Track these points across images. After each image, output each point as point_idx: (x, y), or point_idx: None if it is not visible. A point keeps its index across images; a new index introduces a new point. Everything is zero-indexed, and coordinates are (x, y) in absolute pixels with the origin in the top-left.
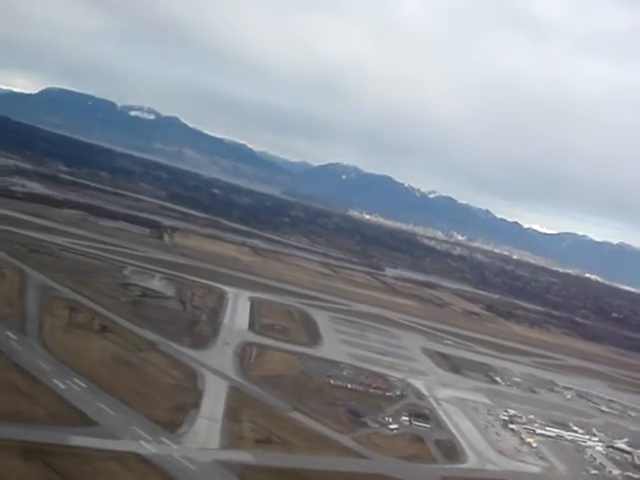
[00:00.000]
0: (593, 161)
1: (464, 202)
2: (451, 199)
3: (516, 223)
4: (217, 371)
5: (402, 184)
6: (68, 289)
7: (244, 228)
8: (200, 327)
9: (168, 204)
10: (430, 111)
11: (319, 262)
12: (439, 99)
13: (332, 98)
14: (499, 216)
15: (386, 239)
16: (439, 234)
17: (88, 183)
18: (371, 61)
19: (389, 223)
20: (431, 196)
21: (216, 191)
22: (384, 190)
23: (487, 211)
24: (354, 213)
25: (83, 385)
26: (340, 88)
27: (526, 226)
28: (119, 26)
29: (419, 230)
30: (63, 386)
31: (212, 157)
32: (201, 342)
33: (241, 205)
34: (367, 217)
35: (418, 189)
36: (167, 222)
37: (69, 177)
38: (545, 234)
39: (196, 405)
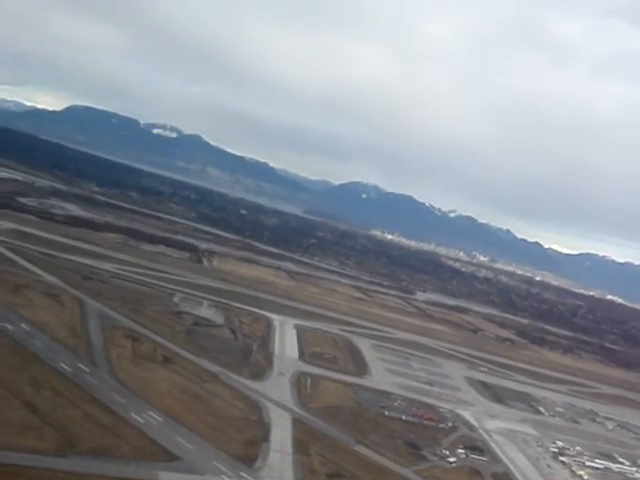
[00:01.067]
0: (613, 181)
1: (484, 222)
2: (471, 219)
3: (537, 243)
4: (278, 403)
5: (423, 203)
6: (126, 318)
7: (275, 250)
8: (254, 357)
9: (200, 226)
10: (450, 131)
11: (352, 286)
12: (459, 119)
13: (352, 118)
14: (520, 236)
15: (412, 261)
16: (461, 254)
17: (121, 204)
18: (392, 81)
19: (412, 243)
20: (451, 215)
21: (243, 212)
22: (405, 209)
23: (508, 231)
24: (376, 233)
25: (159, 419)
26: (361, 108)
27: (547, 246)
28: (143, 45)
29: (441, 250)
30: (142, 420)
31: (234, 175)
32: (258, 373)
33: (268, 226)
34: (389, 237)
35: (439, 208)
36: (203, 245)
37: (102, 198)
38: (566, 254)
39: (266, 438)
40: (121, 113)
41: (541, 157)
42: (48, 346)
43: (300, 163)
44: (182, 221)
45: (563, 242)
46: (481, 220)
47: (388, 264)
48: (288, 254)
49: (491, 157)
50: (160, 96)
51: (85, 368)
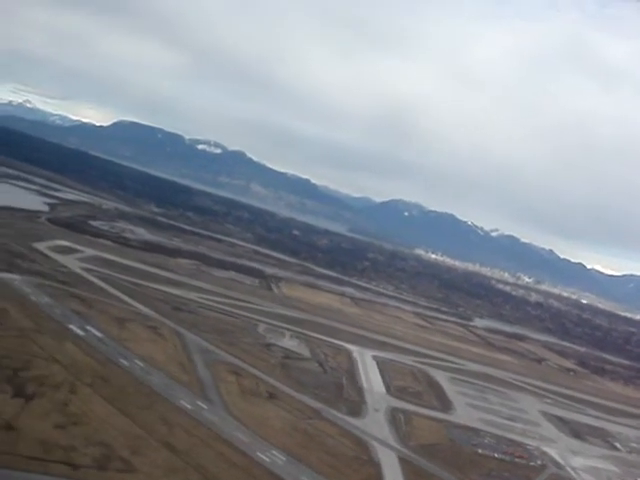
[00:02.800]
0: None
1: (527, 241)
2: (514, 238)
3: (580, 264)
4: (381, 440)
5: (465, 222)
6: (224, 352)
7: (332, 274)
8: (347, 392)
9: (258, 248)
10: (495, 151)
11: (412, 312)
12: (505, 140)
13: (396, 136)
14: (562, 256)
15: (462, 283)
16: (506, 275)
17: (182, 226)
18: (439, 102)
19: (456, 263)
20: (493, 234)
21: (295, 232)
22: (447, 228)
23: (550, 251)
24: (420, 252)
25: (283, 458)
26: (406, 127)
27: (589, 267)
28: (189, 62)
29: (486, 271)
30: (268, 459)
31: (277, 192)
32: (354, 409)
33: (321, 247)
34: (433, 256)
35: (481, 227)
36: (268, 270)
37: (164, 220)
38: (609, 276)
39: (380, 478)
40: (166, 129)
41: (586, 178)
42: (165, 383)
43: (341, 180)
44: (241, 243)
45: (606, 263)
46: (523, 239)
47: (440, 287)
48: (346, 278)
49: (535, 177)
50: (205, 112)
51: (203, 405)
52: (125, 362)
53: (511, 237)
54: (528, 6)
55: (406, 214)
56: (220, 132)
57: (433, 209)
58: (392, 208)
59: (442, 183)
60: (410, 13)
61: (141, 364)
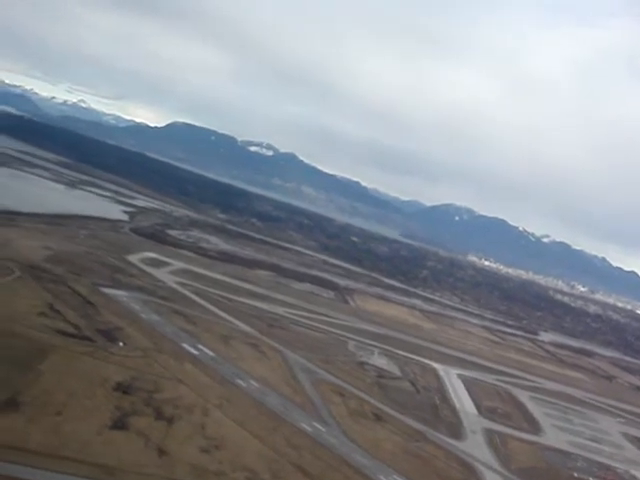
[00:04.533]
0: None
1: (579, 248)
2: (566, 245)
3: (633, 272)
4: (485, 463)
5: (516, 227)
6: (324, 371)
7: (397, 284)
8: (442, 412)
9: (324, 257)
10: (549, 157)
11: (481, 326)
12: (560, 146)
13: (449, 141)
14: (615, 264)
15: (521, 294)
16: (560, 284)
17: (250, 234)
18: (494, 108)
19: (510, 271)
20: (545, 240)
21: (354, 239)
22: (498, 233)
23: (603, 259)
24: (474, 258)
25: None
26: (459, 132)
27: None
28: (242, 65)
29: (540, 279)
30: None
31: (328, 194)
32: (454, 430)
33: (381, 255)
34: (486, 263)
35: (532, 233)
36: (339, 281)
37: (232, 227)
38: None
39: None
40: (219, 130)
41: None
42: (281, 403)
43: (390, 183)
44: (307, 252)
45: None
46: (575, 246)
47: (501, 298)
48: (411, 289)
49: (589, 184)
50: (257, 114)
51: (321, 427)
52: (241, 382)
53: (563, 243)
54: (586, 13)
55: (457, 218)
56: (272, 134)
57: (484, 214)
58: (442, 212)
59: (494, 188)
60: (470, 21)
61: (255, 384)
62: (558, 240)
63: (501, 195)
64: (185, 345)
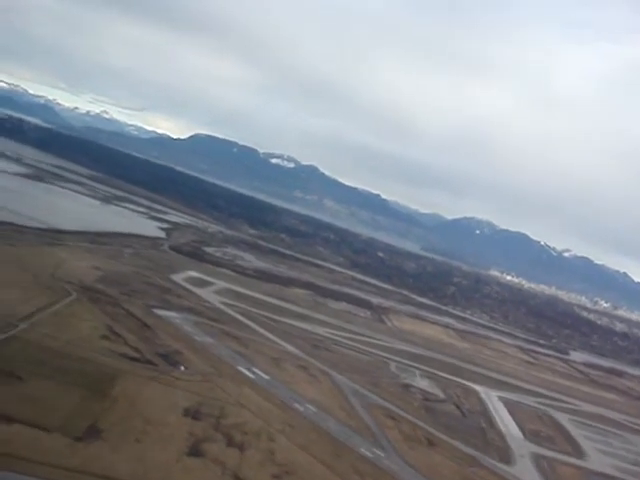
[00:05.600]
0: None
1: (600, 263)
2: (587, 259)
3: None
4: None
5: (538, 242)
6: (373, 394)
7: (428, 302)
8: (490, 436)
9: (355, 274)
10: (571, 172)
11: (514, 346)
12: (582, 162)
13: (471, 155)
14: (637, 279)
15: (548, 311)
16: (583, 300)
17: (281, 250)
18: (517, 123)
19: (533, 286)
20: (566, 255)
21: (381, 254)
22: (519, 247)
23: (625, 274)
24: (496, 273)
25: None
26: (482, 147)
27: None
28: (264, 79)
29: (563, 295)
30: None
31: (349, 207)
32: (503, 455)
33: (409, 272)
34: (509, 278)
35: (554, 248)
36: (373, 300)
37: (263, 243)
38: None
39: None
40: (241, 142)
41: None
42: (340, 429)
43: (411, 195)
44: (338, 269)
45: None
46: (597, 261)
47: (528, 315)
48: (442, 307)
49: (612, 200)
50: (278, 127)
51: (380, 453)
52: (299, 406)
53: (584, 258)
54: (610, 30)
55: (477, 232)
56: (293, 146)
57: (505, 228)
58: (463, 226)
59: (515, 202)
60: (493, 37)
61: (312, 408)
62: (579, 255)
63: (522, 209)
64: (241, 368)
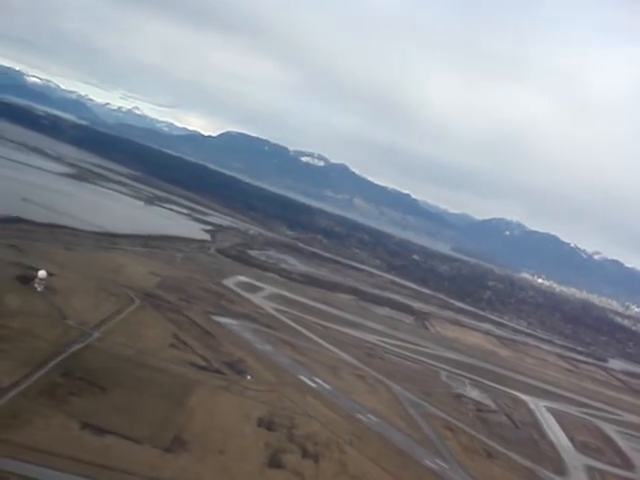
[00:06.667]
0: None
1: (630, 266)
2: (617, 262)
3: None
4: None
5: (568, 244)
6: (429, 404)
7: (465, 307)
8: (543, 447)
9: (392, 277)
10: (604, 176)
11: (554, 353)
12: (613, 164)
13: (504, 157)
14: None
15: (582, 316)
16: (615, 304)
17: (319, 252)
18: (550, 125)
19: (564, 289)
20: (596, 257)
21: (416, 257)
22: (549, 249)
23: None
24: (527, 276)
25: None
26: (514, 149)
27: None
28: (297, 77)
29: (594, 299)
30: None
31: (379, 207)
32: (558, 467)
33: (444, 275)
34: (539, 280)
35: (584, 250)
36: (414, 304)
37: (302, 245)
38: None
39: None
40: (272, 140)
41: None
42: (403, 440)
43: (440, 195)
44: (376, 272)
45: None
46: (627, 264)
47: (563, 321)
48: (480, 312)
49: None
50: (308, 125)
51: (444, 464)
52: (362, 417)
53: (615, 261)
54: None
55: (507, 233)
56: (323, 145)
57: (535, 229)
58: (493, 226)
59: (545, 203)
60: (528, 39)
61: (374, 418)
62: (610, 258)
63: (552, 211)
64: (303, 377)
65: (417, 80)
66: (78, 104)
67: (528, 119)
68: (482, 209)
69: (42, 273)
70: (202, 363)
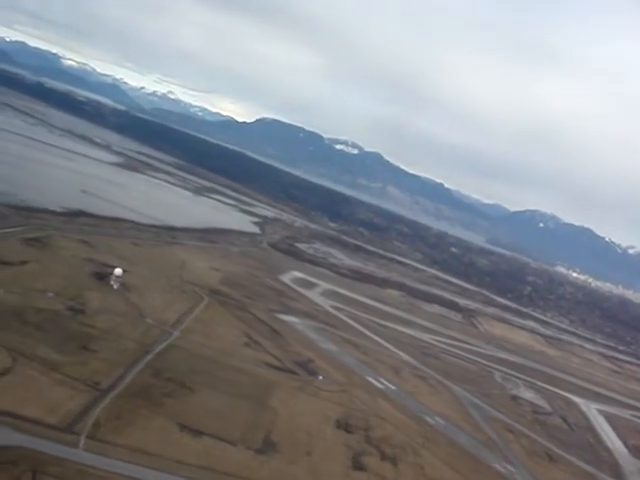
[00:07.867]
0: None
1: None
2: None
3: None
4: None
5: (602, 238)
6: (486, 405)
7: (508, 303)
8: (599, 452)
9: (435, 272)
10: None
11: (597, 353)
12: None
13: (540, 149)
14: None
15: (621, 314)
16: None
17: (363, 245)
18: (589, 119)
19: (599, 284)
20: (630, 252)
21: (454, 250)
22: (583, 243)
23: None
24: (562, 269)
25: None
26: (551, 141)
27: None
28: (333, 65)
29: (630, 295)
30: None
31: (413, 196)
32: (616, 471)
33: (484, 269)
34: (574, 274)
35: (619, 244)
36: (459, 301)
37: (346, 238)
38: None
39: None
40: (306, 127)
41: None
42: (469, 442)
43: (473, 185)
44: (419, 266)
45: None
46: None
47: (603, 318)
48: (523, 309)
49: None
50: (344, 113)
51: (510, 468)
52: (429, 419)
53: None
54: None
55: (541, 225)
56: (357, 132)
57: (569, 222)
58: (527, 218)
59: (580, 196)
60: (569, 33)
61: (441, 421)
62: None
63: (587, 204)
64: (370, 378)
65: (454, 70)
66: (114, 87)
67: (566, 112)
68: (515, 200)
69: (118, 271)
70: (276, 363)
